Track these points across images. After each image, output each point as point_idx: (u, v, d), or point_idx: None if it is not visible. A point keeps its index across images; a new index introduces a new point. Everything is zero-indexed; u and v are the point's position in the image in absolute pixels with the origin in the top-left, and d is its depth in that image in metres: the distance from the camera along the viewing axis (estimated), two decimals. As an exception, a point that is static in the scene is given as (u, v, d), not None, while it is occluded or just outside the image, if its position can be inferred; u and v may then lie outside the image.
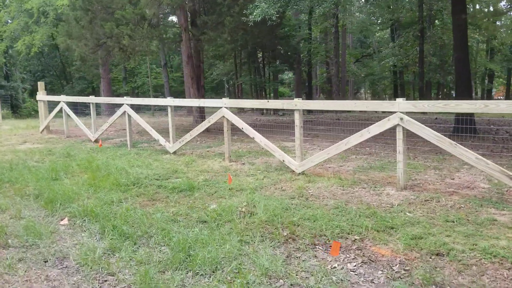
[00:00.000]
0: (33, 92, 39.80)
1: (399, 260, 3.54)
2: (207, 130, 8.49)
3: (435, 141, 5.14)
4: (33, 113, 29.34)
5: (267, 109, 19.50)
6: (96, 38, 11.54)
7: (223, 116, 7.60)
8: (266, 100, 6.62)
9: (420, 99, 21.60)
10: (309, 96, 26.34)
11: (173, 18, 18.73)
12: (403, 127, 5.37)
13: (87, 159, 8.44)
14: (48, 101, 13.23)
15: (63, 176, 7.16)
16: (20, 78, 36.02)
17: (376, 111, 10.42)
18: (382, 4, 24.85)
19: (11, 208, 5.46)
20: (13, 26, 20.90)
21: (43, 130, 13.19)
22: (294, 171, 6.62)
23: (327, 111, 16.91)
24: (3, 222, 4.89)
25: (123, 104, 9.85)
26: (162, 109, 23.55)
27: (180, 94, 32.10)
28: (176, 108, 24.31)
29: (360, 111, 13.15)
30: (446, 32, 24.46)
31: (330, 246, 3.86)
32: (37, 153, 9.53)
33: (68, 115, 12.14)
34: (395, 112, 5.43)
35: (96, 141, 11.07)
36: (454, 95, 34.77)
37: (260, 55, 24.36)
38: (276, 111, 19.01)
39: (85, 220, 4.90)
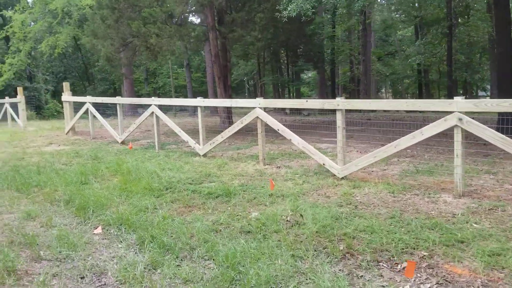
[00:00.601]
0: (55, 94, 40.14)
1: (481, 282, 3.09)
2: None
3: (499, 144, 4.66)
4: (56, 114, 29.48)
5: (290, 109, 19.05)
6: (121, 37, 11.31)
7: (257, 117, 7.22)
8: (304, 100, 6.21)
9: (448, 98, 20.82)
10: (333, 96, 25.79)
11: (193, 19, 18.50)
12: (461, 128, 4.90)
13: (116, 162, 8.17)
14: (73, 102, 13.07)
15: (92, 180, 6.89)
16: (42, 79, 36.40)
17: (423, 111, 9.82)
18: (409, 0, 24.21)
19: (41, 215, 5.19)
20: (37, 27, 20.96)
21: (68, 132, 13.04)
22: (335, 175, 6.20)
23: (369, 111, 16.37)
24: (34, 230, 4.61)
25: (150, 105, 9.56)
26: (184, 109, 23.37)
27: (200, 94, 31.89)
28: (195, 109, 24.08)
29: (396, 111, 12.62)
30: (475, 29, 23.63)
31: (396, 263, 3.44)
32: (64, 155, 9.32)
33: (94, 116, 11.94)
34: (452, 112, 4.96)
35: (123, 142, 10.83)
36: (487, 94, 33.73)
37: (283, 54, 23.94)
38: (299, 110, 18.57)
39: (120, 228, 4.58)
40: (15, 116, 17.12)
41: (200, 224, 4.50)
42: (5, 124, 18.94)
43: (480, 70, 27.63)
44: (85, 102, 12.00)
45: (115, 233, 4.49)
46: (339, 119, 5.99)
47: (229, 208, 5.14)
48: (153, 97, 9.66)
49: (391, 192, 5.41)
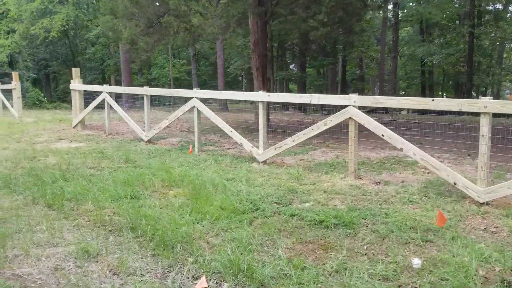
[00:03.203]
0: (36, 81, 37.64)
1: None
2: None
3: None
4: (37, 103, 27.21)
5: (305, 108, 17.65)
6: (148, 17, 9.66)
7: (351, 117, 5.76)
8: (430, 99, 4.75)
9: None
10: (343, 94, 24.50)
11: None
12: None
13: (159, 167, 6.61)
14: (83, 91, 11.31)
15: (144, 193, 5.33)
16: (24, 66, 33.92)
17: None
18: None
19: (105, 252, 3.63)
20: (34, 5, 18.82)
21: (76, 125, 11.32)
22: (473, 199, 4.79)
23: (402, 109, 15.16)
24: (103, 282, 3.06)
25: (191, 97, 7.99)
26: (207, 102, 21.70)
27: (207, 87, 30.05)
28: (203, 100, 22.49)
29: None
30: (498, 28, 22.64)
31: None
32: (87, 155, 7.68)
33: (111, 108, 10.28)
34: None
35: (150, 141, 9.21)
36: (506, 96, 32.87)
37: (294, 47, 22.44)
38: (322, 108, 17.19)
39: (237, 282, 3.08)
40: (8, 105, 15.20)
41: (361, 283, 3.03)
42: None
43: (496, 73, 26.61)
44: (101, 92, 10.31)
45: (236, 292, 2.99)
46: (485, 125, 4.59)
47: (370, 249, 3.69)
48: (195, 89, 8.08)
49: None
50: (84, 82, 37.46)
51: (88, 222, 4.40)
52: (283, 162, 7.25)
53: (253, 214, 4.60)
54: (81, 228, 4.22)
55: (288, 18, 9.38)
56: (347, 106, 5.83)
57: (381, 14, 19.60)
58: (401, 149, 5.37)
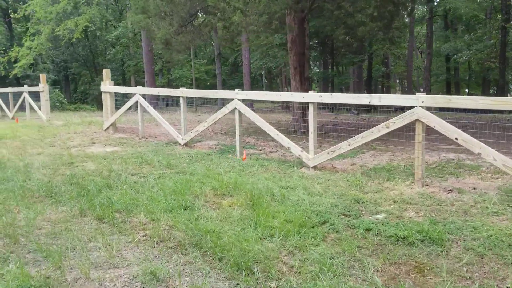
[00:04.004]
0: (55, 83, 37.66)
1: None
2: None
3: None
4: (58, 105, 27.18)
5: (333, 107, 17.09)
6: (181, 16, 9.29)
7: (418, 119, 5.29)
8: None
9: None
10: (370, 92, 23.88)
11: None
12: None
13: (205, 173, 6.23)
14: (115, 93, 11.02)
15: (195, 202, 4.96)
16: (45, 68, 33.92)
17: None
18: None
19: (173, 274, 3.25)
20: (60, 6, 18.62)
21: (108, 128, 11.03)
22: None
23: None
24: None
25: (232, 99, 7.61)
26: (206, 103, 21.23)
27: (226, 87, 29.61)
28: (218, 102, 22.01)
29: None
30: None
31: None
32: (127, 161, 7.35)
33: (145, 111, 9.96)
34: None
35: (187, 144, 8.85)
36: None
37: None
38: (348, 108, 16.78)
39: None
40: (35, 107, 15.05)
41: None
42: (23, 116, 16.90)
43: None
44: (134, 94, 9.99)
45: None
46: None
47: (471, 271, 3.25)
48: (236, 90, 7.69)
49: None
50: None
51: (145, 238, 4.03)
52: (334, 167, 6.80)
53: (323, 228, 4.17)
54: (139, 245, 3.86)
55: (334, 13, 8.87)
56: (414, 106, 5.35)
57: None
58: (479, 154, 4.87)
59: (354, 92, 22.49)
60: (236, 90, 7.66)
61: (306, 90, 10.24)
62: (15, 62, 21.33)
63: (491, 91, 31.43)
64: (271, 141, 9.81)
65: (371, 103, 5.81)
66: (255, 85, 40.65)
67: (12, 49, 21.29)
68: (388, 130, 5.63)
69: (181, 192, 5.27)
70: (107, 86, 10.91)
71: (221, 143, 9.51)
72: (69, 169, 6.87)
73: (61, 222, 4.48)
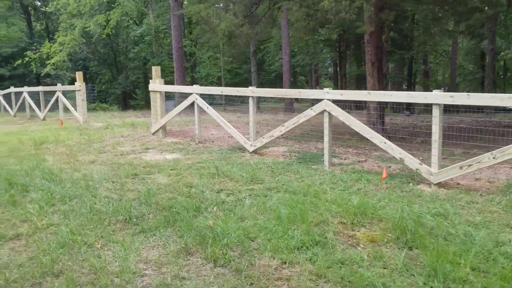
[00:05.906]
0: (72, 82, 36.69)
1: None
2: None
3: None
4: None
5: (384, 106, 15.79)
6: (245, 5, 8.18)
7: None
8: None
9: None
10: (410, 89, 22.56)
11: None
12: None
13: (306, 191, 5.12)
14: (165, 92, 9.94)
15: (325, 236, 3.84)
16: (66, 66, 33.07)
17: None
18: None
19: None
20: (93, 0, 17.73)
21: (157, 131, 9.98)
22: None
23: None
24: None
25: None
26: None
27: (250, 85, 28.40)
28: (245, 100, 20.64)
29: None
30: None
31: None
32: (200, 172, 6.25)
33: (203, 112, 8.89)
34: None
35: (256, 151, 7.74)
36: None
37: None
38: (408, 108, 15.47)
39: None
40: (70, 108, 14.10)
41: None
42: (52, 116, 16.02)
43: None
44: (191, 93, 8.92)
45: None
46: None
47: None
48: (326, 88, 6.55)
49: None
50: (127, 82, 36.27)
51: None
52: (458, 183, 5.61)
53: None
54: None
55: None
56: None
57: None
58: None
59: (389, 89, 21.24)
60: (326, 89, 6.52)
61: (383, 88, 9.07)
62: (47, 59, 20.42)
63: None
64: (349, 147, 8.66)
65: (495, 105, 4.61)
66: (278, 83, 39.45)
67: (44, 45, 20.40)
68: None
69: (299, 220, 4.15)
70: (156, 85, 9.86)
71: (291, 149, 8.36)
72: (137, 183, 5.82)
73: (164, 265, 3.41)
